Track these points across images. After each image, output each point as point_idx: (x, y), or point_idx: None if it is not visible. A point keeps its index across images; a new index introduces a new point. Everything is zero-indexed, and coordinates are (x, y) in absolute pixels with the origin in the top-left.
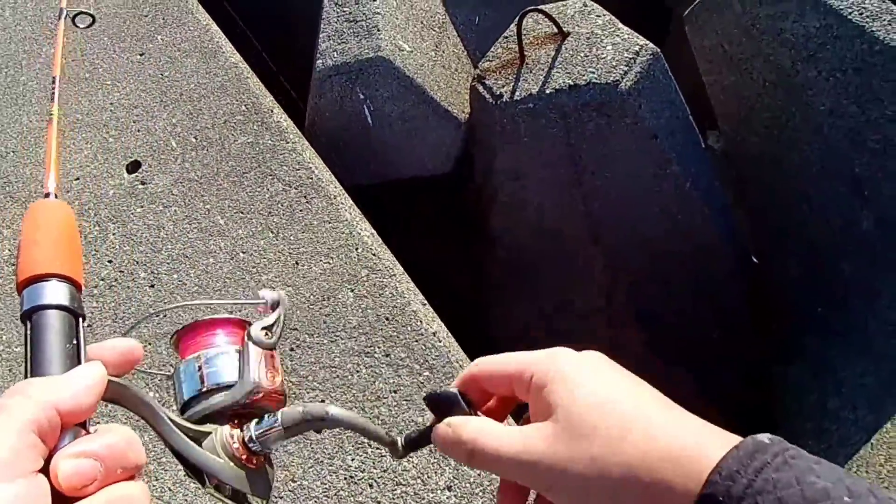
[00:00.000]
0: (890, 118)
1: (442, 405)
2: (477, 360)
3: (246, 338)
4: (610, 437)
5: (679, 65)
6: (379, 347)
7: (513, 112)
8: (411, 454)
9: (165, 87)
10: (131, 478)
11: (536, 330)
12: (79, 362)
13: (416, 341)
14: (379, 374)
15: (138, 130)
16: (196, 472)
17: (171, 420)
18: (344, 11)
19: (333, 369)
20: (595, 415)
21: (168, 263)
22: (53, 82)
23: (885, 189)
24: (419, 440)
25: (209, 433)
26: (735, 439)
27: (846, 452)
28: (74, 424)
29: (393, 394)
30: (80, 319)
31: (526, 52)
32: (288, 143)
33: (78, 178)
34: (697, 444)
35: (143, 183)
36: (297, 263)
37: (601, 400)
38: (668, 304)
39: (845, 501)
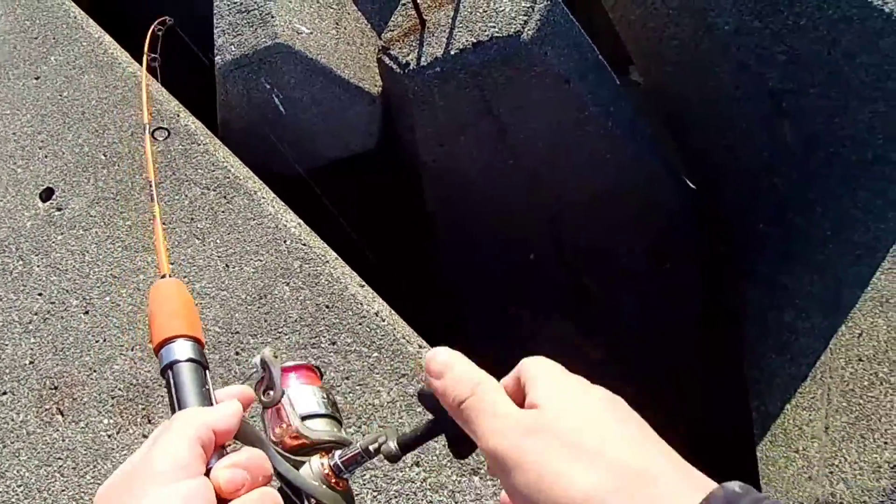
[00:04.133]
0: (792, 28)
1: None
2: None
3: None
4: (587, 454)
5: (594, 5)
6: (324, 336)
7: (422, 78)
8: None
9: (66, 108)
10: (266, 483)
11: (488, 290)
12: (210, 403)
13: (360, 324)
14: (328, 364)
15: (45, 156)
16: (297, 494)
17: (279, 452)
18: (235, 3)
19: None
20: (579, 426)
21: (98, 287)
22: (150, 186)
23: (801, 99)
24: (416, 441)
25: (304, 462)
26: (707, 486)
27: (808, 362)
28: (220, 446)
29: (345, 381)
30: (206, 370)
31: (425, 16)
32: (200, 145)
33: None
34: (671, 493)
35: (59, 209)
36: (227, 266)
37: (587, 418)
38: (618, 243)
39: None
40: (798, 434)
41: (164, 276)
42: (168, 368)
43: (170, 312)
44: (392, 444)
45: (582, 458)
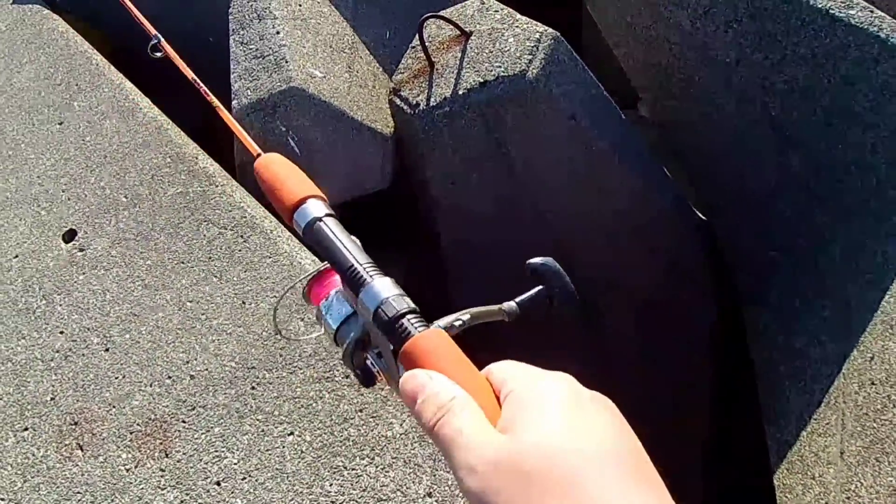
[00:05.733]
0: (791, 58)
1: (544, 275)
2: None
3: None
4: (544, 492)
5: (601, 42)
6: (338, 370)
7: (432, 118)
8: (389, 466)
9: (89, 152)
10: None
11: (501, 323)
12: (360, 250)
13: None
14: (342, 397)
15: (68, 199)
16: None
17: None
18: (250, 49)
19: (297, 400)
20: (544, 459)
21: (119, 325)
22: (196, 83)
23: (804, 128)
24: (531, 304)
25: None
26: None
27: (821, 388)
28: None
29: (359, 413)
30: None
31: (434, 58)
32: (217, 186)
33: (17, 256)
34: None
35: (81, 250)
36: (244, 303)
37: (558, 446)
38: (630, 274)
39: None
40: (814, 460)
41: (259, 155)
42: (310, 228)
43: (288, 180)
44: (512, 304)
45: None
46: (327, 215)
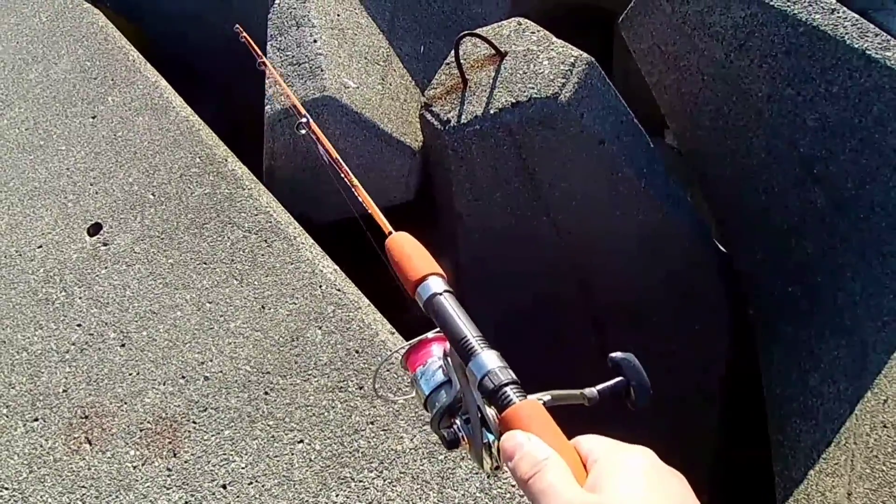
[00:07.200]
0: (824, 95)
1: (624, 368)
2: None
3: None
4: None
5: (631, 69)
6: (352, 381)
7: (462, 135)
8: (397, 480)
9: (120, 147)
10: None
11: (517, 343)
12: (472, 323)
13: (388, 370)
14: (355, 408)
15: (96, 192)
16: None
17: None
18: (287, 55)
19: (309, 408)
20: None
21: (136, 321)
22: (335, 162)
23: (832, 165)
24: (610, 393)
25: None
26: None
27: (832, 427)
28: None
29: (370, 425)
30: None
31: (468, 76)
32: (244, 190)
33: (41, 246)
34: None
35: (105, 244)
36: (263, 307)
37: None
38: (647, 301)
39: None
40: (820, 500)
41: (390, 233)
42: (430, 301)
43: (413, 257)
44: (594, 390)
45: None
46: (446, 291)
